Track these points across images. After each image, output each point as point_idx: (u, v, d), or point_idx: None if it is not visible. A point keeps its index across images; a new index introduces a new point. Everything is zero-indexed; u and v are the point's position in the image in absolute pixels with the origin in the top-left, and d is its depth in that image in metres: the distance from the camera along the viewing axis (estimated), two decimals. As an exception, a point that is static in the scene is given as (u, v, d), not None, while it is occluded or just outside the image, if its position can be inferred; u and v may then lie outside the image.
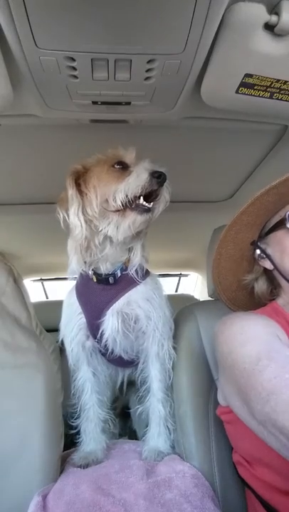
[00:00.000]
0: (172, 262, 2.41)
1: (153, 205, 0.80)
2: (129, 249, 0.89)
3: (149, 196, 0.79)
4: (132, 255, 0.88)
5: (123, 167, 0.82)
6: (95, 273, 0.87)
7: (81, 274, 0.89)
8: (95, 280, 0.87)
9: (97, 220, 0.81)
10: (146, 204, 0.78)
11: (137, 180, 0.77)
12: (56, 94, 0.77)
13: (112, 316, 0.86)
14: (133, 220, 0.79)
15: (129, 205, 0.78)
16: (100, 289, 0.88)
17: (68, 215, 0.81)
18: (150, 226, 0.87)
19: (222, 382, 0.76)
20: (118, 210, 0.79)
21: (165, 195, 0.81)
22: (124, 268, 0.88)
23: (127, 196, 0.77)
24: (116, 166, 0.82)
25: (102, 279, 0.87)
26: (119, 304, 0.87)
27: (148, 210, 0.79)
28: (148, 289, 0.89)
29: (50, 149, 1.07)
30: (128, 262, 0.88)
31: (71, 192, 0.81)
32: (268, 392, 0.56)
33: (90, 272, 0.87)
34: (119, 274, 0.87)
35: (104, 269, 0.87)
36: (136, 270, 0.88)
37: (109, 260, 0.86)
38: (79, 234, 0.80)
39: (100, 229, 0.81)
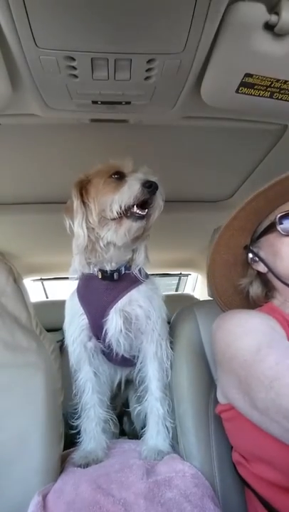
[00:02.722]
0: (172, 262, 2.41)
1: (147, 211, 0.85)
2: (133, 250, 0.94)
3: (145, 203, 0.84)
4: (137, 255, 0.94)
5: (120, 177, 0.86)
6: (100, 270, 0.91)
7: (83, 275, 0.93)
8: (100, 277, 0.91)
9: (98, 228, 0.87)
10: (140, 212, 0.83)
11: (129, 192, 0.82)
12: (56, 94, 0.77)
13: (116, 315, 0.89)
14: (129, 227, 0.84)
15: (125, 213, 0.83)
16: (104, 289, 0.91)
17: (73, 224, 0.87)
18: (152, 228, 0.92)
19: (220, 377, 0.76)
20: (115, 219, 0.85)
21: (159, 201, 0.85)
22: (128, 267, 0.93)
23: (120, 207, 0.82)
24: (113, 176, 0.87)
25: (108, 276, 0.91)
26: (121, 302, 0.90)
27: (142, 218, 0.84)
28: (148, 289, 0.94)
29: (50, 149, 1.07)
30: (131, 261, 0.93)
31: (76, 203, 0.87)
32: (271, 379, 0.56)
33: (95, 269, 0.92)
34: (123, 271, 0.92)
35: (110, 267, 0.91)
36: (139, 270, 0.93)
37: (113, 260, 0.91)
38: (82, 242, 0.86)
39: (102, 235, 0.87)
